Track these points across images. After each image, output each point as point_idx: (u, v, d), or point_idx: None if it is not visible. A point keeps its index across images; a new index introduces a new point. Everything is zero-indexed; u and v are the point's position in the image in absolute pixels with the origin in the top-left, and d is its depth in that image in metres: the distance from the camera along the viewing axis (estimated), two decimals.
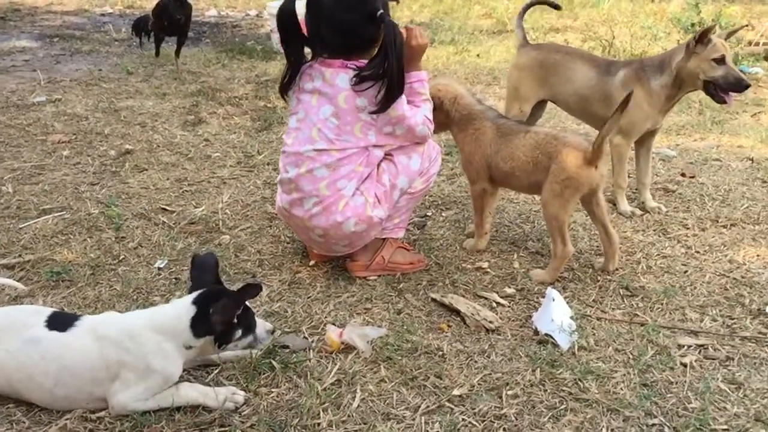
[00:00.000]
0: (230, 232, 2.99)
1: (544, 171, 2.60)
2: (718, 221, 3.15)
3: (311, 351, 2.18)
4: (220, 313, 1.80)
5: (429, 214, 3.22)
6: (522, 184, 2.76)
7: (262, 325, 1.95)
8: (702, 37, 2.96)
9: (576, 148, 2.55)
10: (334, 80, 2.41)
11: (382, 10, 2.38)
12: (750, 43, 6.70)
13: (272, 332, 1.99)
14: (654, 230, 3.08)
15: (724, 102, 3.03)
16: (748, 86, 2.99)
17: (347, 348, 2.18)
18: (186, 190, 3.40)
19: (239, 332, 1.87)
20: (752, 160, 3.88)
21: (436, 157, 2.66)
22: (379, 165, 2.52)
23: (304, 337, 2.26)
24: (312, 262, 2.75)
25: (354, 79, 2.38)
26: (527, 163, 2.64)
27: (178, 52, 5.46)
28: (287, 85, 2.55)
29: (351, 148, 2.43)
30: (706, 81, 2.99)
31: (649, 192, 3.32)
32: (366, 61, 2.41)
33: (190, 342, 1.80)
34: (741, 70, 5.51)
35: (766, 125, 4.51)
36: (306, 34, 2.47)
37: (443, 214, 3.23)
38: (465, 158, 2.83)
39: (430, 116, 2.58)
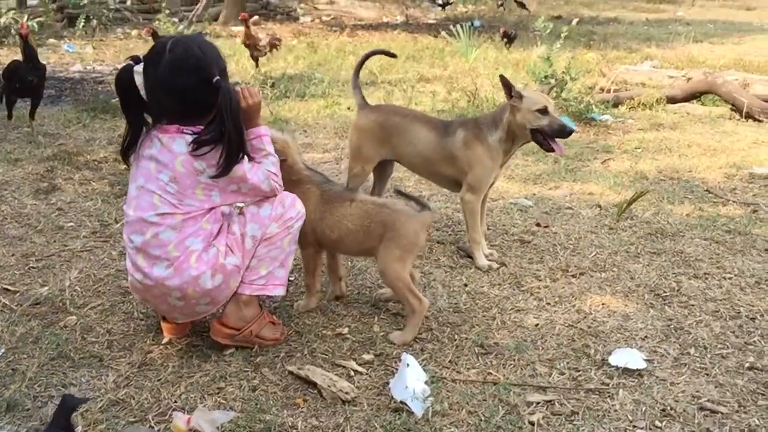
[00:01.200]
0: (78, 311, 2.84)
1: (377, 239, 2.69)
2: (568, 271, 3.29)
3: None
4: None
5: (291, 278, 3.19)
6: (352, 251, 2.86)
7: None
8: (508, 90, 3.19)
9: (409, 215, 2.69)
10: (171, 146, 2.39)
11: (218, 77, 2.40)
12: (602, 90, 7.17)
13: None
14: (509, 284, 3.18)
15: (553, 150, 3.25)
16: (571, 132, 3.24)
17: None
18: (33, 267, 3.22)
19: None
20: (600, 206, 4.11)
21: (293, 203, 2.61)
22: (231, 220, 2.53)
23: (150, 427, 2.15)
24: (165, 340, 2.65)
25: (192, 144, 2.37)
26: (357, 232, 2.71)
27: (32, 114, 5.21)
28: (128, 148, 2.52)
29: (195, 210, 2.41)
30: (534, 130, 3.20)
31: (484, 239, 3.45)
32: (202, 126, 2.40)
33: None
34: (592, 118, 5.91)
35: (615, 171, 4.80)
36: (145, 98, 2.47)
37: None
38: None
39: (274, 169, 2.57)
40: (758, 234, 3.72)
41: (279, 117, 6.01)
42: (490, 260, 3.35)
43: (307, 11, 15.30)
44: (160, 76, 2.38)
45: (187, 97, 2.40)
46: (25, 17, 9.75)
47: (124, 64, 2.49)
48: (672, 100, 6.84)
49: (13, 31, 9.42)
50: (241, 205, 2.59)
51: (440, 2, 17.30)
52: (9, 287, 3.01)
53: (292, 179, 2.77)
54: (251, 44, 7.48)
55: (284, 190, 2.74)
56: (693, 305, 2.98)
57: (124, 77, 2.45)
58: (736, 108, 6.39)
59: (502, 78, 3.21)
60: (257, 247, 2.53)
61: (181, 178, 2.38)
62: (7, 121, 5.39)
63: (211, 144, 2.36)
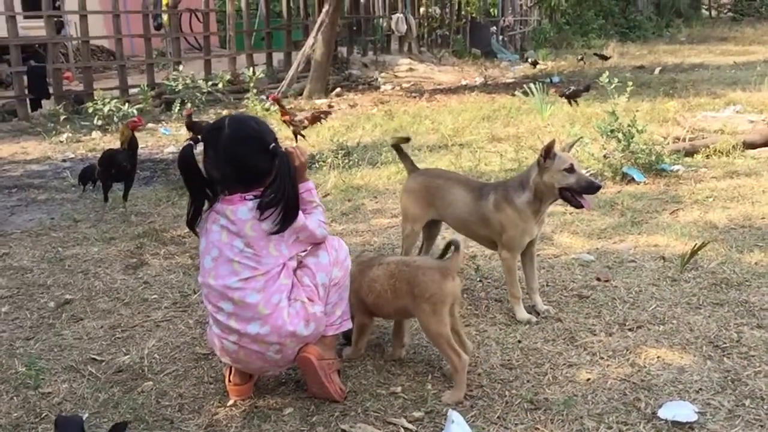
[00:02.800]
0: (155, 377, 3.08)
1: (406, 296, 2.85)
2: (625, 324, 3.29)
3: None
4: None
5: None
6: (389, 311, 2.99)
7: None
8: (547, 153, 3.28)
9: (430, 268, 2.84)
10: (236, 215, 2.66)
11: (273, 144, 2.69)
12: (677, 139, 7.07)
13: None
14: (563, 339, 3.21)
15: (582, 206, 3.31)
16: (599, 187, 3.30)
17: None
18: (118, 337, 3.51)
19: None
20: (664, 258, 4.07)
21: (339, 245, 2.92)
22: (295, 273, 2.78)
23: None
24: (231, 402, 2.84)
25: (256, 210, 2.63)
26: (386, 292, 2.89)
27: (125, 196, 5.70)
28: (193, 219, 2.82)
29: (273, 267, 2.68)
30: (562, 189, 3.28)
31: (538, 295, 3.53)
32: (261, 189, 2.67)
33: None
34: (662, 169, 5.85)
35: (683, 222, 4.73)
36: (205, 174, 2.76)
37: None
38: None
39: (323, 218, 2.88)
40: None
41: (351, 185, 6.28)
42: (545, 316, 3.40)
43: (387, 79, 15.75)
44: (221, 148, 2.68)
45: (247, 164, 2.69)
46: (126, 105, 10.56)
47: (184, 144, 2.79)
48: (751, 145, 6.67)
49: (115, 118, 10.23)
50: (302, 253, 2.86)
51: (531, 61, 17.57)
52: (96, 357, 3.30)
53: None
54: (288, 120, 8.04)
55: None
56: (753, 356, 2.92)
57: (185, 155, 2.75)
58: None
59: (549, 145, 3.28)
60: (329, 294, 2.81)
61: (254, 240, 2.64)
62: (104, 203, 5.88)
63: (274, 205, 2.63)
